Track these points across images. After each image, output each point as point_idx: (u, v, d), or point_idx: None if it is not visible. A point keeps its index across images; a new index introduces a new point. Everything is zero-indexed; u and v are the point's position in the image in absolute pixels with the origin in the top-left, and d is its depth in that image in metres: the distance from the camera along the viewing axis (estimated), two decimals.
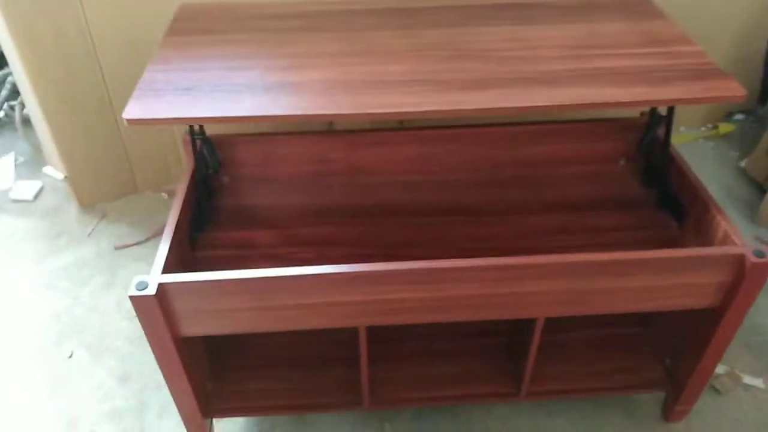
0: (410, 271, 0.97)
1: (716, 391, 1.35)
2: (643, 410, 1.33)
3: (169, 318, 0.99)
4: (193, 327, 1.02)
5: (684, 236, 1.17)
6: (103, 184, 1.89)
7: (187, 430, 1.21)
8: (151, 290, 0.94)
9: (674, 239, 1.18)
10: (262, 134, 1.31)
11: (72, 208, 1.91)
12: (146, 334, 1.00)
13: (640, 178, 1.33)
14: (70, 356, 1.48)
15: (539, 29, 1.21)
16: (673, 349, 1.24)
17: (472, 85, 1.05)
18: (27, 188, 1.98)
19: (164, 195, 1.92)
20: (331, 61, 1.10)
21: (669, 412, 1.27)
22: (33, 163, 2.10)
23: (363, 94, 1.01)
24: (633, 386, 1.25)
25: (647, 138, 1.29)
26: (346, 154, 1.32)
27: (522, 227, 1.22)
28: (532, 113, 1.11)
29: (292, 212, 1.27)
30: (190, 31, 1.20)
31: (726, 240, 1.03)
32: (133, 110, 1.00)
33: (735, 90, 1.02)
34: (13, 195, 1.96)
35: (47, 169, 2.05)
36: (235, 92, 1.02)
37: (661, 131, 1.26)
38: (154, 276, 0.96)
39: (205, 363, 1.24)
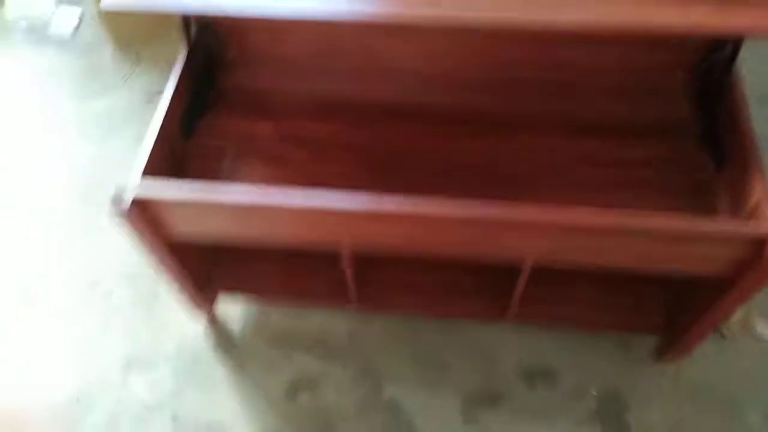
0: (384, 214, 0.91)
1: (721, 334, 1.28)
2: (634, 342, 1.29)
3: (150, 222, 0.99)
4: (175, 229, 1.03)
5: (717, 186, 1.02)
6: (138, 24, 1.83)
7: (190, 307, 1.30)
8: (127, 203, 0.94)
9: (706, 187, 1.03)
10: None
11: (108, 47, 1.88)
12: (131, 235, 1.02)
13: (695, 99, 1.13)
14: (98, 212, 1.56)
15: None
16: (678, 298, 1.17)
17: None
18: (65, 20, 1.94)
19: None
20: None
21: (662, 353, 1.23)
22: None
23: None
24: (627, 326, 1.21)
25: (711, 56, 1.07)
26: (358, 40, 1.18)
27: (534, 147, 1.10)
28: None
29: (296, 99, 1.19)
30: None
31: (756, 210, 0.90)
32: None
33: None
34: (52, 30, 1.94)
35: None
36: None
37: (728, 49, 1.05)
38: (130, 189, 0.95)
39: (206, 247, 1.28)
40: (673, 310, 1.18)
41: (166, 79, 1.75)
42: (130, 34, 1.85)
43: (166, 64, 1.80)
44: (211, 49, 1.18)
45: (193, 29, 1.13)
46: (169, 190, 0.94)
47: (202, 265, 1.26)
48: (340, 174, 1.09)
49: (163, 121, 1.03)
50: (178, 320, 1.39)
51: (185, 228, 1.02)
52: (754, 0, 0.83)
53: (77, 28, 1.94)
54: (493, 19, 0.85)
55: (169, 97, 1.06)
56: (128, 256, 1.47)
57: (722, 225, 0.87)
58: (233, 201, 0.94)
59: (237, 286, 1.30)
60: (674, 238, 0.88)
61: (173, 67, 1.12)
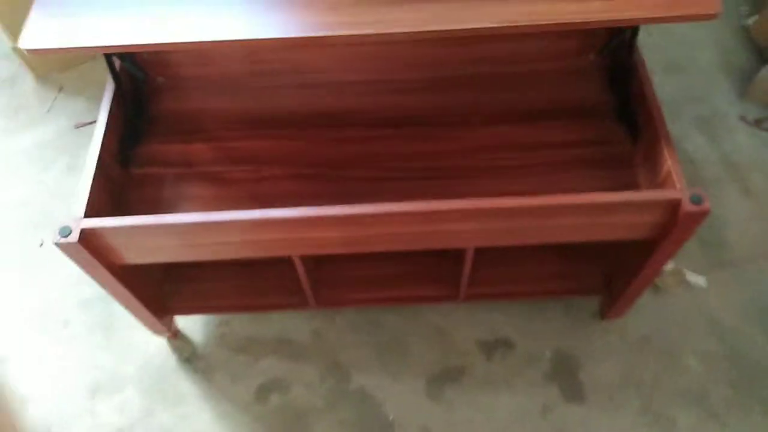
0: (329, 218, 0.95)
1: (657, 287, 1.38)
2: (580, 305, 1.38)
3: (99, 254, 1.00)
4: (125, 259, 1.04)
5: (635, 159, 1.11)
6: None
7: (148, 328, 1.31)
8: (74, 237, 0.95)
9: (624, 159, 1.11)
10: None
11: (28, 79, 1.84)
12: (82, 268, 1.03)
13: (607, 80, 1.21)
14: (41, 245, 1.55)
15: None
16: (613, 260, 1.25)
17: None
18: None
19: None
20: None
21: (605, 311, 1.33)
22: None
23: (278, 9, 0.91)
24: (570, 291, 1.29)
25: (614, 38, 1.15)
26: (283, 53, 1.21)
27: (466, 141, 1.15)
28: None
29: (230, 119, 1.21)
30: None
31: (667, 179, 0.98)
32: (29, 36, 0.92)
33: (710, 5, 0.89)
34: None
35: None
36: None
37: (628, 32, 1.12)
38: (75, 220, 0.96)
39: (157, 269, 1.29)
40: (610, 271, 1.26)
41: (92, 104, 1.74)
42: (50, 63, 1.81)
43: (89, 89, 1.78)
44: (137, 75, 1.18)
45: (116, 59, 1.12)
46: (114, 223, 0.96)
47: (155, 289, 1.27)
48: (284, 188, 1.12)
49: (99, 154, 1.04)
50: (138, 339, 1.40)
51: (133, 256, 1.04)
52: None
53: None
54: (411, 34, 0.89)
55: (102, 130, 1.06)
56: (78, 284, 1.46)
57: (639, 195, 0.95)
58: (179, 222, 0.95)
59: (193, 307, 1.32)
60: (600, 211, 0.95)
61: (101, 95, 1.11)
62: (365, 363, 1.35)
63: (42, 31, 0.92)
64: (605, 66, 1.22)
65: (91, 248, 0.98)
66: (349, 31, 0.90)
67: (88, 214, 0.98)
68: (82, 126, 1.72)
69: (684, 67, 1.72)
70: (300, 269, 1.14)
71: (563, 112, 1.18)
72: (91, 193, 1.00)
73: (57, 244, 0.95)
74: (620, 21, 0.91)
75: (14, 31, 1.71)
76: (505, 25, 0.90)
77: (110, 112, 1.09)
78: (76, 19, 0.92)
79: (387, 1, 0.93)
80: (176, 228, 0.96)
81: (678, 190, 0.94)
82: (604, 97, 1.19)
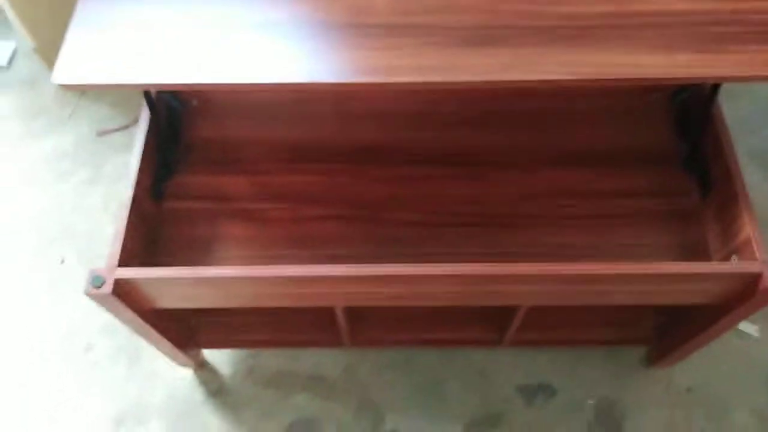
0: (375, 277, 0.88)
1: None
2: (623, 352, 1.32)
3: (131, 302, 0.94)
4: (157, 305, 0.98)
5: (704, 214, 1.03)
6: None
7: (173, 361, 1.26)
8: (107, 288, 0.89)
9: (692, 214, 1.04)
10: None
11: (49, 81, 1.75)
12: (111, 313, 0.97)
13: (675, 124, 1.13)
14: (62, 262, 1.49)
15: None
16: (669, 314, 1.19)
17: (470, 38, 0.85)
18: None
19: None
20: None
21: (653, 360, 1.26)
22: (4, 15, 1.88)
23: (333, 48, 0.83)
24: (620, 340, 1.23)
25: (691, 86, 1.07)
26: None
27: (518, 184, 1.08)
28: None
29: (267, 149, 1.14)
30: None
31: (745, 247, 0.90)
32: (64, 70, 0.84)
33: None
34: None
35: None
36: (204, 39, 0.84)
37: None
38: (109, 270, 0.90)
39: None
40: (664, 324, 1.20)
41: (115, 110, 1.66)
42: None
43: (113, 94, 1.70)
44: (173, 105, 1.11)
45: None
46: (150, 274, 0.89)
47: (184, 325, 1.21)
48: (323, 230, 1.05)
49: (134, 194, 0.97)
50: (163, 368, 1.35)
51: (166, 303, 0.98)
52: (734, 46, 0.82)
53: (11, 63, 1.80)
54: (480, 83, 0.82)
55: (137, 165, 0.99)
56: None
57: (713, 267, 0.88)
58: (214, 276, 0.89)
59: (222, 341, 1.26)
60: (667, 280, 0.88)
61: (125, 101, 1.05)
62: (400, 403, 1.30)
63: (77, 64, 0.85)
64: (674, 109, 1.13)
65: (123, 297, 0.91)
66: (409, 77, 0.83)
67: (123, 261, 0.92)
68: (104, 134, 1.65)
69: (739, 95, 1.63)
70: (339, 316, 1.08)
71: (625, 156, 1.10)
72: (125, 237, 0.94)
73: (89, 295, 0.89)
74: (708, 78, 0.83)
75: (35, 31, 1.63)
76: (582, 78, 0.82)
77: (145, 145, 1.02)
78: (114, 51, 0.85)
79: (452, 44, 0.85)
80: (211, 281, 0.90)
81: (759, 263, 0.87)
82: (671, 142, 1.11)
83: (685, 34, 0.84)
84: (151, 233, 1.04)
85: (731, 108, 1.60)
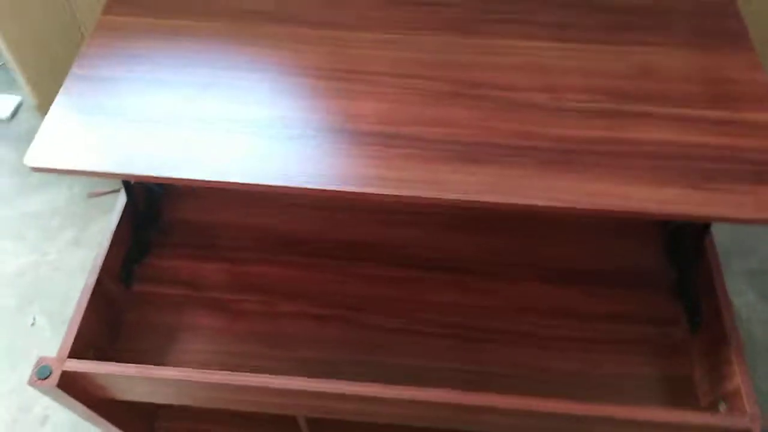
0: (337, 395, 0.83)
1: None
2: None
3: (80, 394, 0.89)
4: (111, 396, 0.93)
5: (692, 348, 0.98)
6: None
7: None
8: (53, 380, 0.84)
9: (679, 346, 0.99)
10: None
11: None
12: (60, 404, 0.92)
13: (664, 246, 1.10)
14: (33, 324, 1.44)
15: (570, 52, 0.93)
16: None
17: (456, 153, 0.83)
18: (3, 104, 1.82)
19: None
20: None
21: None
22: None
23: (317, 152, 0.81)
24: None
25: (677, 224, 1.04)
26: None
27: (506, 298, 1.04)
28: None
29: (247, 236, 1.11)
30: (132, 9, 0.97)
31: (735, 396, 0.85)
32: (38, 153, 0.82)
33: None
34: None
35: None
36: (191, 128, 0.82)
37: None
38: (58, 361, 0.85)
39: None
40: None
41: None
42: None
43: None
44: (154, 188, 1.09)
45: None
46: (99, 369, 0.85)
47: (143, 413, 1.15)
48: (298, 328, 1.01)
49: (98, 278, 0.94)
50: None
51: (120, 395, 0.92)
52: (725, 185, 0.79)
53: (13, 117, 1.81)
54: (467, 202, 0.79)
55: (105, 251, 0.96)
56: None
57: (704, 417, 0.82)
58: (167, 377, 0.84)
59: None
60: (653, 427, 0.82)
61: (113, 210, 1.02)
62: None
63: (53, 146, 0.82)
64: (665, 231, 1.10)
65: (71, 389, 0.86)
66: (395, 190, 0.79)
67: (75, 351, 0.88)
68: (96, 196, 1.64)
69: None
70: (302, 424, 1.02)
71: (614, 277, 1.06)
72: (82, 325, 0.90)
73: (32, 385, 0.84)
74: (696, 217, 0.80)
75: (38, 89, 1.64)
76: (564, 207, 0.79)
77: (118, 229, 0.99)
78: (93, 137, 0.82)
79: (438, 158, 0.82)
80: (163, 381, 0.85)
81: (748, 418, 0.81)
82: (662, 266, 1.07)
83: (676, 167, 0.81)
84: (115, 317, 1.01)
85: (730, 227, 1.58)
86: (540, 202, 0.79)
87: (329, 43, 0.94)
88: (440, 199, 0.80)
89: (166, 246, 1.09)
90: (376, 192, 0.80)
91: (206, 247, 1.10)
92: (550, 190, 0.80)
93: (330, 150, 0.82)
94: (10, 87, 1.85)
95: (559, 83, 0.91)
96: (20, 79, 1.64)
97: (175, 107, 0.85)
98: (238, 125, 0.83)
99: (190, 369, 0.85)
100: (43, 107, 1.69)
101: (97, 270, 0.94)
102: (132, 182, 1.02)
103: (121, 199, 1.02)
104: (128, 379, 0.85)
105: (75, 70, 0.90)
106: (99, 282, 0.94)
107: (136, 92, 0.87)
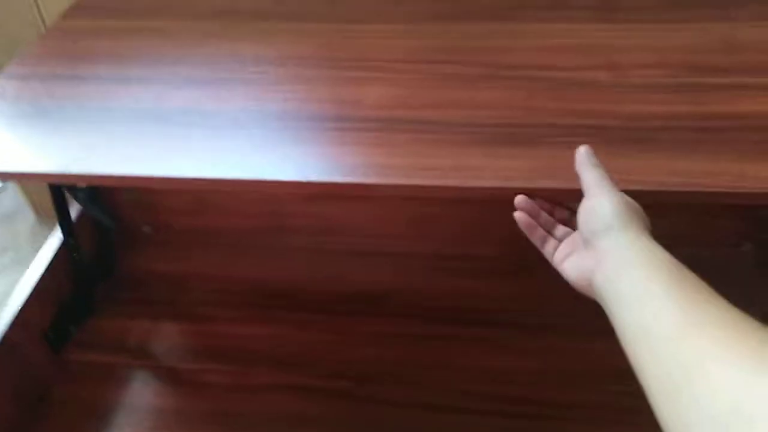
0: None
1: None
2: None
3: None
4: None
5: None
6: None
7: None
8: None
9: None
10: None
11: (26, 218, 1.59)
12: None
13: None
14: None
15: (626, 32, 0.73)
16: None
17: (503, 136, 0.60)
18: None
19: None
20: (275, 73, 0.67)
21: None
22: None
23: (324, 144, 0.58)
24: None
25: None
26: (308, 206, 0.88)
27: (560, 356, 0.75)
28: None
29: (221, 289, 0.86)
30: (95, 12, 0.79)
31: None
32: None
33: None
34: None
35: None
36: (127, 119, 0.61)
37: None
38: None
39: None
40: None
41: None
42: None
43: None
44: (104, 223, 0.86)
45: (72, 200, 0.81)
46: None
47: None
48: (279, 406, 0.73)
49: (12, 339, 0.68)
50: None
51: None
52: None
53: None
54: (506, 190, 0.55)
55: (21, 302, 0.72)
56: None
57: None
58: None
59: None
60: None
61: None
62: None
63: None
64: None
65: None
66: (409, 179, 0.56)
67: None
68: None
69: None
70: None
71: None
72: None
73: None
74: None
75: None
76: (645, 189, 0.54)
77: (44, 274, 0.75)
78: (31, 135, 0.61)
79: (461, 142, 0.59)
80: None
81: None
82: (761, 296, 0.78)
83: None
84: (36, 391, 0.73)
85: None
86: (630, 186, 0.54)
87: (335, 34, 0.75)
88: (473, 188, 0.55)
89: (116, 302, 0.84)
90: (387, 183, 0.56)
91: (166, 302, 0.84)
92: (627, 171, 0.56)
93: (329, 139, 0.59)
94: None
95: (620, 61, 0.70)
96: None
97: (141, 105, 0.65)
98: (216, 119, 0.62)
99: None
100: (24, 185, 1.54)
101: (6, 324, 0.69)
102: (73, 217, 0.79)
103: (54, 237, 0.79)
104: None
105: (12, 68, 0.71)
106: (14, 344, 0.68)
107: (87, 91, 0.67)
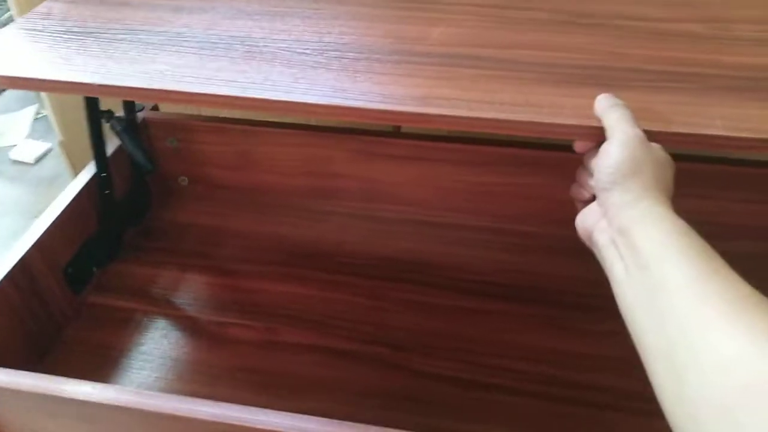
0: None
1: None
2: None
3: None
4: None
5: None
6: None
7: None
8: None
9: None
10: (232, 121, 0.83)
11: (65, 181, 1.58)
12: None
13: None
14: None
15: None
16: None
17: (583, 77, 0.53)
18: (31, 149, 1.67)
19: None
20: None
21: None
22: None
23: (384, 75, 0.52)
24: None
25: None
26: (357, 166, 0.82)
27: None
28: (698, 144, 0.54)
29: (254, 245, 0.80)
30: None
31: None
32: None
33: None
34: (13, 155, 1.66)
35: None
36: (168, 45, 0.56)
37: None
38: None
39: None
40: None
41: None
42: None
43: None
44: (143, 165, 0.82)
45: (114, 141, 0.77)
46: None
47: None
48: (304, 370, 0.66)
49: (23, 260, 0.63)
50: None
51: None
52: None
53: (38, 161, 1.66)
54: (565, 128, 0.48)
55: (48, 224, 0.67)
56: None
57: None
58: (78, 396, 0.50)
59: None
60: None
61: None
62: None
63: (15, 56, 0.57)
64: None
65: None
66: (473, 112, 0.49)
67: None
68: None
69: None
70: None
71: None
72: None
73: None
74: None
75: (65, 128, 1.48)
76: (745, 137, 0.46)
77: (73, 203, 0.71)
78: (78, 52, 0.57)
79: (546, 81, 0.52)
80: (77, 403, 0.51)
81: None
82: None
83: None
84: (49, 329, 0.68)
85: None
86: (718, 131, 0.47)
87: None
88: (549, 124, 0.48)
89: (141, 250, 0.79)
90: (445, 114, 0.49)
91: (196, 254, 0.79)
92: (731, 118, 0.48)
93: (388, 70, 0.53)
94: (44, 136, 1.72)
95: (719, 15, 0.63)
96: (53, 121, 1.50)
97: (192, 31, 0.61)
98: (268, 49, 0.56)
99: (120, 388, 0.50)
100: (67, 145, 1.53)
101: (23, 252, 0.64)
102: (109, 152, 0.75)
103: (88, 169, 0.75)
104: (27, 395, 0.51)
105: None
106: (24, 268, 0.63)
107: (136, 16, 0.63)
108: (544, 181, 0.77)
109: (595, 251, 0.43)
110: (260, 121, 0.82)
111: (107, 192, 0.74)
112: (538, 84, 0.51)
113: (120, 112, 0.77)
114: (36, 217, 0.68)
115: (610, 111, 0.44)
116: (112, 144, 0.78)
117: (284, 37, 0.57)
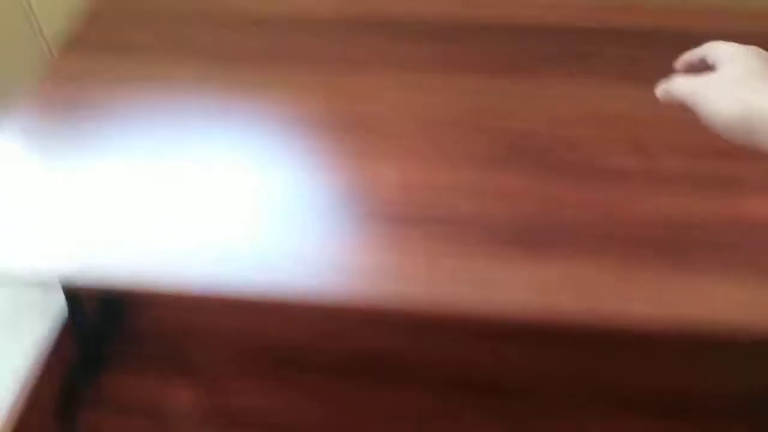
0: None
1: None
2: None
3: None
4: None
5: None
6: None
7: None
8: None
9: None
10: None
11: None
12: None
13: None
14: None
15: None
16: None
17: (524, 234, 0.53)
18: None
19: None
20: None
21: None
22: None
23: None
24: None
25: None
26: None
27: None
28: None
29: (240, 350, 0.85)
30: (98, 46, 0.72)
31: None
32: None
33: None
34: None
35: None
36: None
37: None
38: None
39: None
40: None
41: None
42: None
43: None
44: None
45: None
46: None
47: None
48: None
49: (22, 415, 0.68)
50: None
51: None
52: None
53: None
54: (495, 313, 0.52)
55: (37, 376, 0.71)
56: None
57: None
58: None
59: None
60: None
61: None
62: None
63: None
64: None
65: None
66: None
67: None
68: None
69: None
70: None
71: (714, 407, 0.77)
72: None
73: None
74: None
75: None
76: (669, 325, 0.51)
77: (54, 353, 0.74)
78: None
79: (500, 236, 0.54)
80: None
81: None
82: None
83: None
84: None
85: None
86: (641, 313, 0.50)
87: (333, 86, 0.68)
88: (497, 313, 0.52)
89: (129, 359, 0.84)
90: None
91: (181, 364, 0.83)
92: (654, 305, 0.50)
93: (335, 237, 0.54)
94: None
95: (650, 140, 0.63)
96: None
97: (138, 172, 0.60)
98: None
99: None
100: None
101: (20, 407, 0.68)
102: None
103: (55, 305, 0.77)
104: None
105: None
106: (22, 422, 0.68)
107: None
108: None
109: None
110: None
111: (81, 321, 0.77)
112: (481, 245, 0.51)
113: None
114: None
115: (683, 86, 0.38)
116: None
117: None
